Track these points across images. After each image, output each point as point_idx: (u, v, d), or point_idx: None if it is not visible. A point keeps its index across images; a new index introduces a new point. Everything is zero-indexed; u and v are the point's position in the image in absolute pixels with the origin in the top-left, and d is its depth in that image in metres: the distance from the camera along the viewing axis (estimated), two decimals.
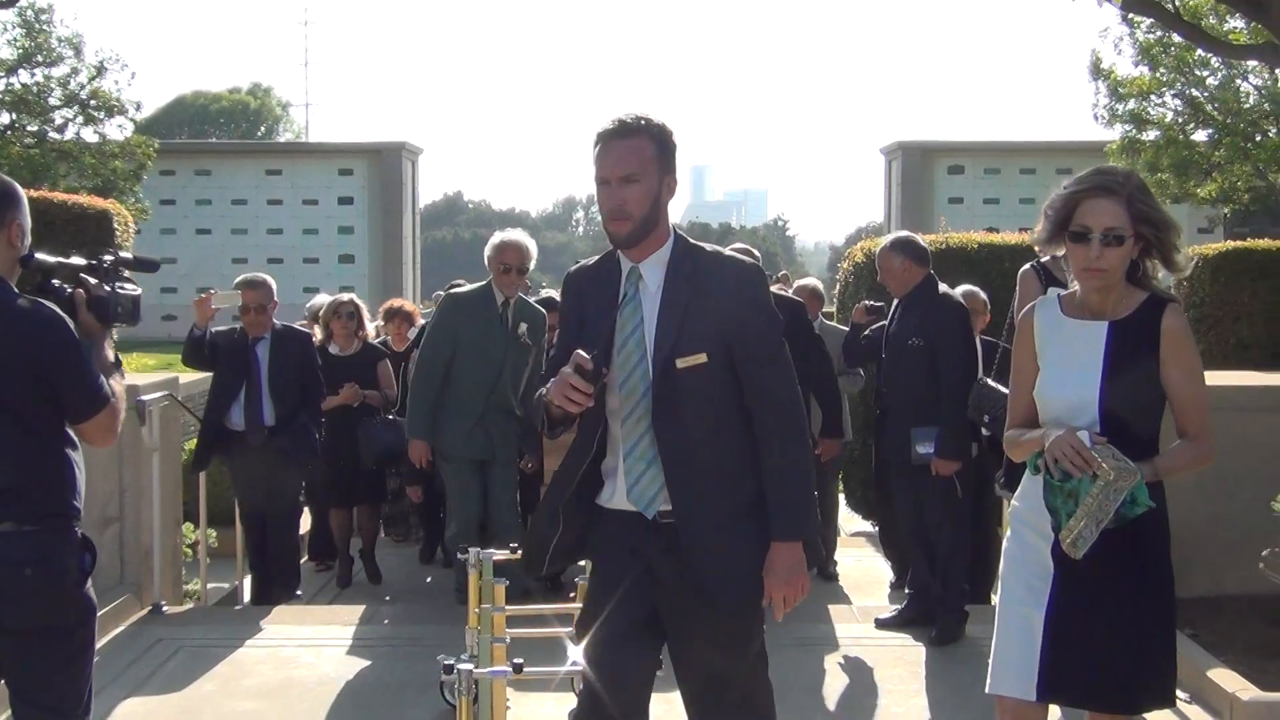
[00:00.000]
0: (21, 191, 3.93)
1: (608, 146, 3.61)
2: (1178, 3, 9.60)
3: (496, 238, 7.64)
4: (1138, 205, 3.72)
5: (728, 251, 3.83)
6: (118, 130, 35.66)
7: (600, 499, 3.79)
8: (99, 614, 4.07)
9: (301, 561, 9.09)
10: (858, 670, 6.66)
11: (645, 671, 3.74)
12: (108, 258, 4.15)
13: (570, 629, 4.19)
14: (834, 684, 6.44)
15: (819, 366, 8.02)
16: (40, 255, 3.99)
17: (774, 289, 11.07)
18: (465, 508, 7.65)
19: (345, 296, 9.60)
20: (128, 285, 4.17)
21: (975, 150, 44.66)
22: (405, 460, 8.02)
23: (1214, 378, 8.44)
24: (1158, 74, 30.07)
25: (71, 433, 3.90)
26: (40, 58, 34.51)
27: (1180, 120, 30.95)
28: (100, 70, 35.00)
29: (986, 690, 3.87)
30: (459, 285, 8.44)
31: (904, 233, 7.79)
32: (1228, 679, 5.80)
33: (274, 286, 8.37)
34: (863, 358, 8.13)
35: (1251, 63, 27.12)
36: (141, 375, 9.51)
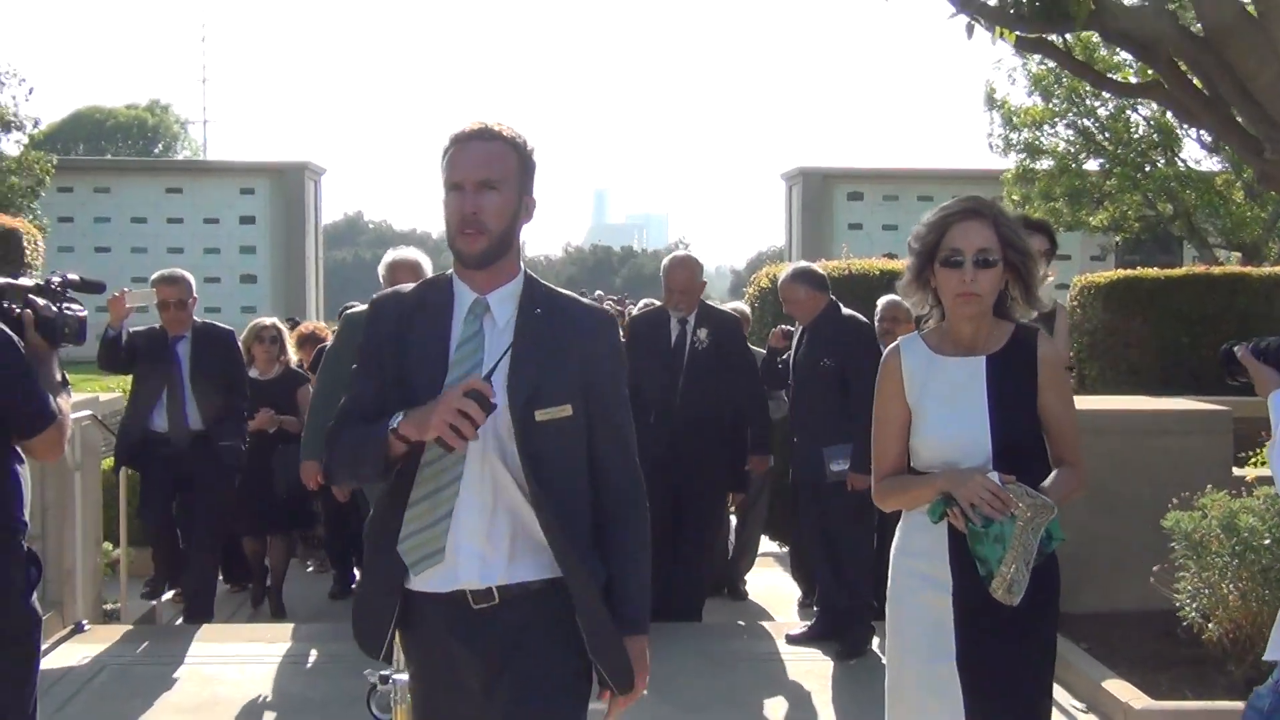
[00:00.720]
0: None
1: (465, 147, 3.16)
2: (1069, 39, 10.00)
3: (389, 256, 7.09)
4: (1004, 229, 3.71)
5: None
6: (14, 145, 35.22)
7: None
8: None
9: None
10: (772, 684, 6.89)
11: None
12: (55, 279, 4.27)
13: None
14: (750, 698, 6.67)
15: (750, 382, 8.19)
16: None
17: (639, 307, 11.32)
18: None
19: (267, 320, 9.46)
20: (74, 306, 4.29)
21: (874, 177, 45.30)
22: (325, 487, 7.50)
23: (1104, 402, 8.86)
24: (1050, 104, 30.79)
25: (18, 449, 4.01)
26: None
27: (1073, 150, 31.70)
28: None
29: None
30: (353, 306, 8.44)
31: (802, 263, 8.13)
32: (1121, 689, 6.10)
33: (192, 282, 8.14)
34: (781, 381, 8.33)
35: None
36: None
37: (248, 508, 8.77)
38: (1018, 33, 7.84)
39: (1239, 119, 7.71)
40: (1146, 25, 7.53)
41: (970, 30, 8.33)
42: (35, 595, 4.04)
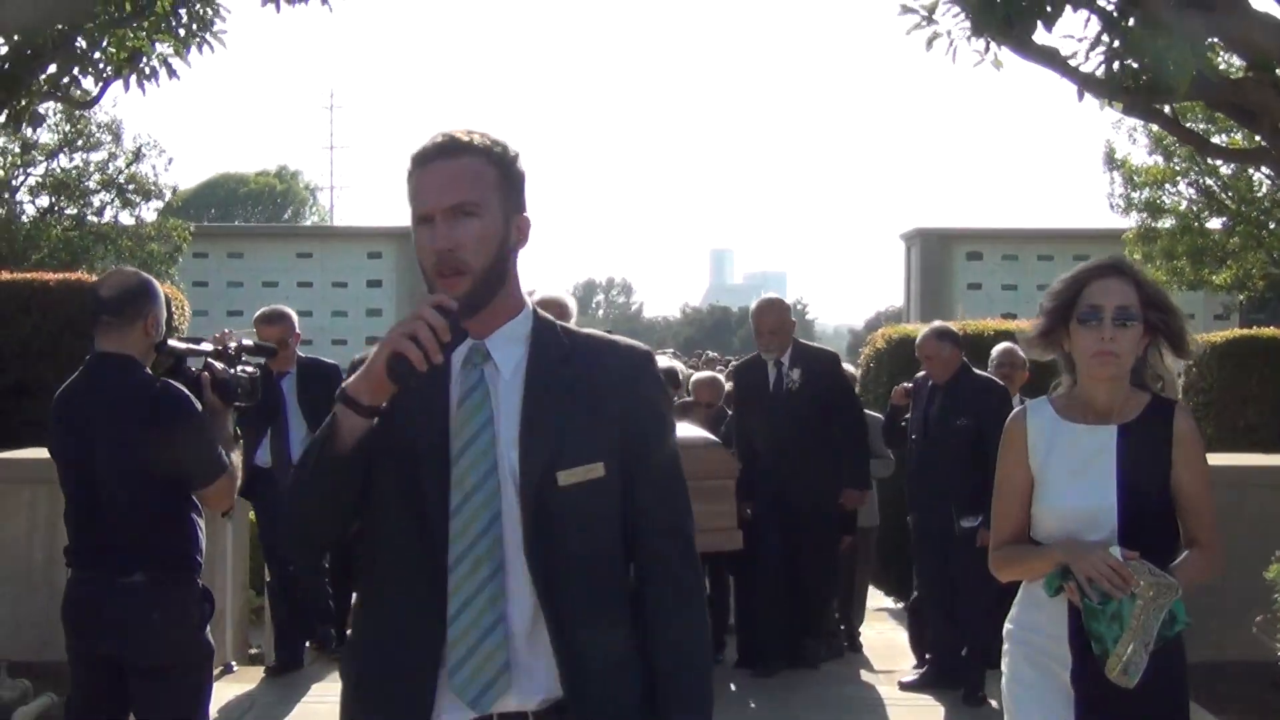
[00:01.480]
0: (158, 287, 4.54)
1: (428, 169, 2.53)
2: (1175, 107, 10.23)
3: (536, 296, 6.90)
4: (1145, 289, 3.54)
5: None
6: (152, 213, 36.68)
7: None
8: None
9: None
10: None
11: None
12: (232, 344, 4.77)
13: None
14: None
15: (849, 418, 8.26)
16: (172, 342, 4.61)
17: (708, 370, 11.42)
18: None
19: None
20: (248, 368, 4.78)
21: (993, 237, 45.30)
22: None
23: (1212, 458, 8.95)
24: (1171, 164, 30.75)
25: (195, 498, 4.47)
26: (80, 143, 35.55)
27: (1194, 208, 31.57)
28: (138, 155, 36.08)
29: None
30: None
31: (940, 322, 8.28)
32: None
33: (295, 319, 8.26)
34: (902, 440, 8.31)
35: None
36: None
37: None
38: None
39: None
40: (1249, 96, 7.75)
41: (1080, 95, 8.63)
42: (208, 629, 4.49)
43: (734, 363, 12.89)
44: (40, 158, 35.34)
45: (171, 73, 10.33)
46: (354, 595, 2.66)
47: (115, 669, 4.35)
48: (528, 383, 2.54)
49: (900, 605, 10.77)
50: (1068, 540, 3.46)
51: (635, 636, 2.57)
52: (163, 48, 10.25)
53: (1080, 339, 3.51)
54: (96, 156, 35.93)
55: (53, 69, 10.31)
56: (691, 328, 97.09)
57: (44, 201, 35.69)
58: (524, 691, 2.49)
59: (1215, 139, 23.35)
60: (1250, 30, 7.84)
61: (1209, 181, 31.19)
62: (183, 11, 9.92)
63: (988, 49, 8.94)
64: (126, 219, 35.95)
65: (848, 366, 10.71)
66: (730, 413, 9.03)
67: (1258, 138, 10.05)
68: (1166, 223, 31.48)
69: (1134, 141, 31.55)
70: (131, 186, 35.93)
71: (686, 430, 7.65)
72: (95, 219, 35.62)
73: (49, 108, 17.90)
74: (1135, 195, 31.74)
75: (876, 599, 12.11)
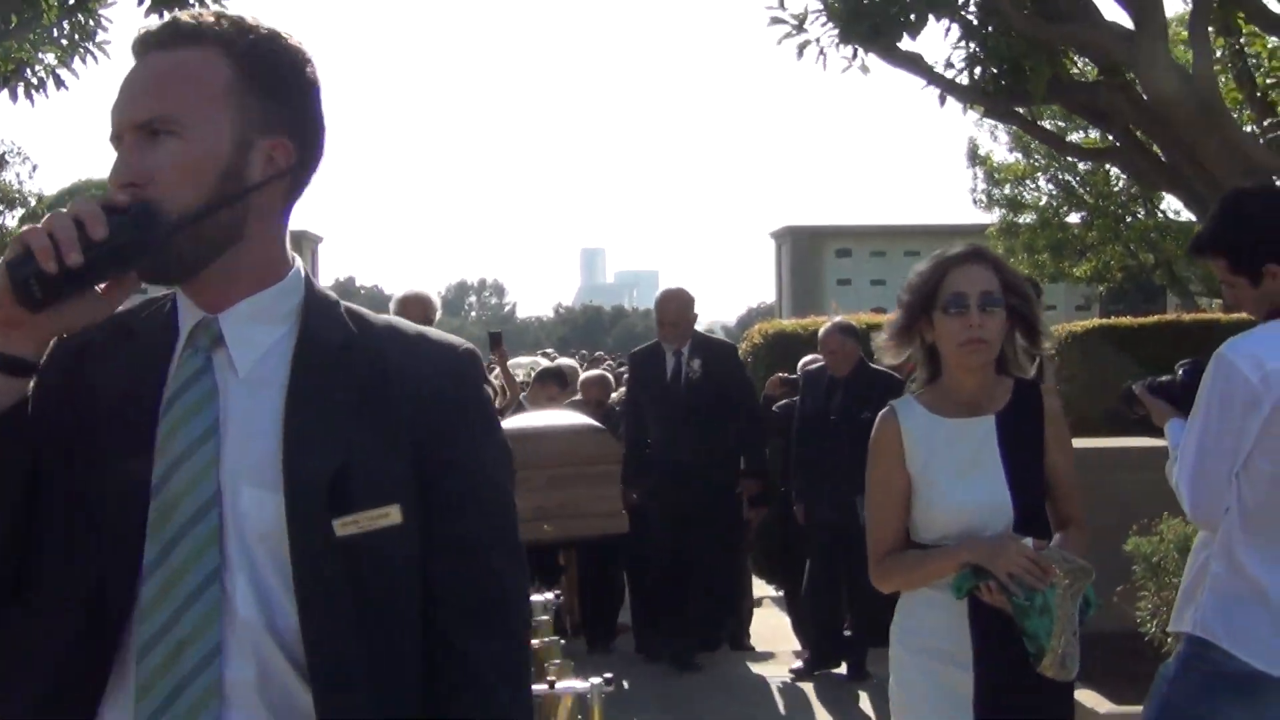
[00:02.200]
0: None
1: (137, 65, 1.75)
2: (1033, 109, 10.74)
3: (399, 294, 6.60)
4: (1006, 274, 3.48)
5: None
6: (13, 220, 35.93)
7: None
8: None
9: None
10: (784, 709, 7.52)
11: None
12: None
13: None
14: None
15: (747, 409, 8.36)
16: None
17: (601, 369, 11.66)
18: None
19: None
20: None
21: (862, 234, 46.21)
22: None
23: (1077, 441, 9.39)
24: (1031, 160, 31.68)
25: None
26: None
27: (1054, 204, 32.51)
28: (1, 163, 35.33)
29: None
30: None
31: (841, 318, 8.47)
32: (1089, 698, 6.71)
33: None
34: (776, 431, 8.49)
35: None
36: None
37: None
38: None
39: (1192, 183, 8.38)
40: (1102, 99, 8.21)
41: (943, 99, 9.05)
42: None
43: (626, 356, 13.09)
44: None
45: (60, 83, 10.32)
46: None
47: None
48: (291, 383, 1.72)
49: (780, 593, 11.04)
50: (970, 539, 3.32)
51: None
52: (48, 59, 10.24)
53: (945, 328, 3.40)
54: None
55: None
56: (565, 327, 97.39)
57: None
58: None
59: (1072, 137, 24.18)
60: (1101, 37, 8.29)
61: (1068, 178, 32.13)
62: (66, 23, 9.91)
63: (855, 56, 9.30)
64: None
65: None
66: (619, 410, 9.20)
67: (1110, 137, 10.60)
68: (1028, 218, 32.41)
69: (995, 139, 32.49)
70: None
71: (570, 417, 7.89)
72: None
73: None
74: (997, 191, 32.65)
75: (760, 588, 12.44)
